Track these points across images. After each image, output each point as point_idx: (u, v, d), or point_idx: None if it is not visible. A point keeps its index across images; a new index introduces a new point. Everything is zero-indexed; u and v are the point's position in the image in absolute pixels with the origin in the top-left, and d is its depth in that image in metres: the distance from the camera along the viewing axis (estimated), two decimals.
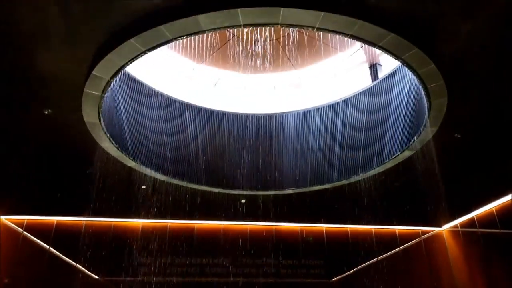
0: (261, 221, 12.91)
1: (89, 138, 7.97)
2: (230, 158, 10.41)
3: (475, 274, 12.34)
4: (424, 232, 14.13)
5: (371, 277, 12.60)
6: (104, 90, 6.63)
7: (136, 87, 9.14)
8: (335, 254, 13.36)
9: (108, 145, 8.30)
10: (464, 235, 13.09)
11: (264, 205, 11.20)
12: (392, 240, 13.67)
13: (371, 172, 9.85)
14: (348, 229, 13.83)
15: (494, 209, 11.87)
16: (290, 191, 10.82)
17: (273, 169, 10.55)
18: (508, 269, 11.33)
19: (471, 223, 12.76)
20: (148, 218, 11.99)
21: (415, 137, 8.14)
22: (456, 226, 13.58)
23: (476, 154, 9.08)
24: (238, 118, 10.37)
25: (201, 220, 12.97)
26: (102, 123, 7.47)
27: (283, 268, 12.97)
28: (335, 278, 13.10)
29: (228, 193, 10.77)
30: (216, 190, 10.54)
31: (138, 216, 11.91)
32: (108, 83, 6.44)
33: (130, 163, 9.06)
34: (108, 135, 7.91)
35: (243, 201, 11.46)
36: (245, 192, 10.81)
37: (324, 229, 13.80)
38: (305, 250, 13.35)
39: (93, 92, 6.58)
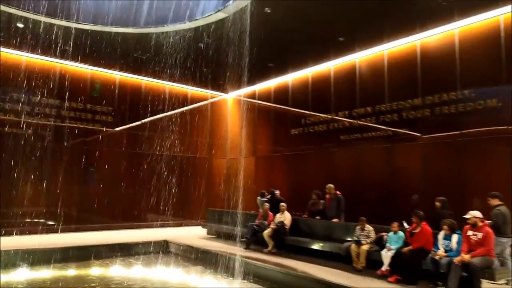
0: (43, 55, 10.97)
1: None
2: None
3: (245, 135, 14.74)
4: (213, 96, 15.42)
5: (156, 130, 13.20)
6: None
7: None
8: (125, 104, 13.08)
9: None
10: (244, 104, 15.05)
11: (50, 36, 9.41)
12: (183, 99, 14.35)
13: (180, 26, 9.50)
14: (143, 81, 13.57)
15: (272, 87, 13.90)
16: (86, 27, 9.39)
17: None
18: (268, 133, 14.02)
19: (252, 94, 14.68)
20: None
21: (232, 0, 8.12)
22: (240, 95, 15.37)
23: (275, 35, 9.90)
24: None
25: None
26: None
27: (66, 110, 11.87)
28: (121, 128, 13.05)
29: None
30: None
31: None
32: None
33: None
34: None
35: (20, 25, 9.27)
36: (25, 14, 8.71)
37: (117, 76, 13.05)
38: (93, 96, 12.49)
39: None
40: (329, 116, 11.59)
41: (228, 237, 10.08)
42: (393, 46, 10.02)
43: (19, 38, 9.79)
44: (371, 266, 6.70)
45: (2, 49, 10.47)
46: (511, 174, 7.59)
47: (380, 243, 6.95)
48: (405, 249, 6.24)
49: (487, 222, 5.76)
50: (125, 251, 9.30)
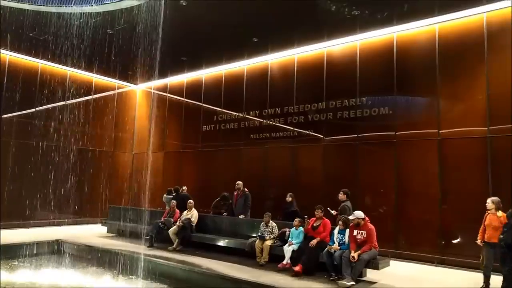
0: None
1: None
2: None
3: (154, 129, 14.21)
4: (120, 87, 14.55)
5: (53, 119, 12.02)
6: None
7: None
8: (16, 88, 11.61)
9: None
10: (155, 96, 14.51)
11: None
12: (86, 87, 13.29)
13: (86, 9, 8.77)
14: (40, 65, 12.22)
15: (185, 81, 13.63)
16: None
17: None
18: (179, 128, 13.71)
19: (163, 87, 14.22)
20: None
21: None
22: (150, 87, 14.78)
23: (190, 29, 9.71)
24: None
25: None
26: None
27: None
28: (9, 115, 11.55)
29: None
30: None
31: None
32: None
33: None
34: None
35: None
36: None
37: (6, 56, 11.55)
38: None
39: None
40: (241, 115, 11.76)
41: (131, 236, 9.62)
42: (303, 51, 10.54)
43: None
44: (274, 260, 6.96)
45: None
46: (395, 174, 8.56)
47: (282, 239, 7.26)
48: (313, 241, 6.59)
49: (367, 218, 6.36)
50: (10, 253, 8.23)
